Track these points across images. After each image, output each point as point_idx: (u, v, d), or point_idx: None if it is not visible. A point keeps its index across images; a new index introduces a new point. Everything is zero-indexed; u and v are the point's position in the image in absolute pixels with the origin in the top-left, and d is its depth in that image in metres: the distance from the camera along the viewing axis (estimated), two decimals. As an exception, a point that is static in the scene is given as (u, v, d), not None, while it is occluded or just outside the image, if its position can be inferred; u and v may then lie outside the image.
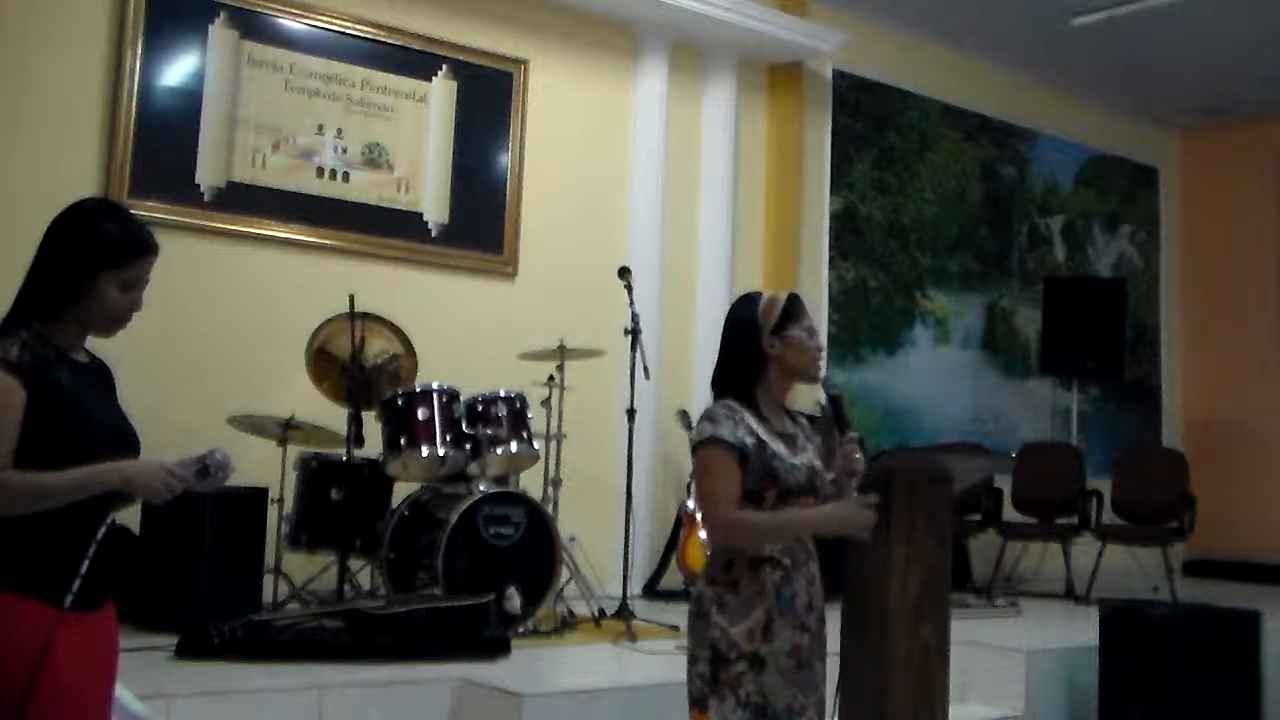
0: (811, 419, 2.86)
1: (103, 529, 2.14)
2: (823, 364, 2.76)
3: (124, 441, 2.28)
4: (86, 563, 2.11)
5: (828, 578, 2.77)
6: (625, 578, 5.48)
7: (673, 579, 6.51)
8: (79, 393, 2.22)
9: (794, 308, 2.73)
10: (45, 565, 2.12)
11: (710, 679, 2.57)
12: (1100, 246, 9.73)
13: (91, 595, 2.17)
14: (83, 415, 2.20)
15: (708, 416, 2.65)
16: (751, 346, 2.70)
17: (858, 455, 2.63)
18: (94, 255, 2.23)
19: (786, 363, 2.69)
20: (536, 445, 5.49)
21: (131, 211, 2.40)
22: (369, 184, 6.19)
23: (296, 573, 5.28)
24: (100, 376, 2.35)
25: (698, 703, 2.60)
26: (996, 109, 8.95)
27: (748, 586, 2.60)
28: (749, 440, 2.59)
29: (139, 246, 2.29)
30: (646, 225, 6.96)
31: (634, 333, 5.55)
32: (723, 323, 2.79)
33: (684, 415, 6.61)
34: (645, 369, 5.53)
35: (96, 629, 2.23)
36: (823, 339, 2.78)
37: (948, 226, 8.66)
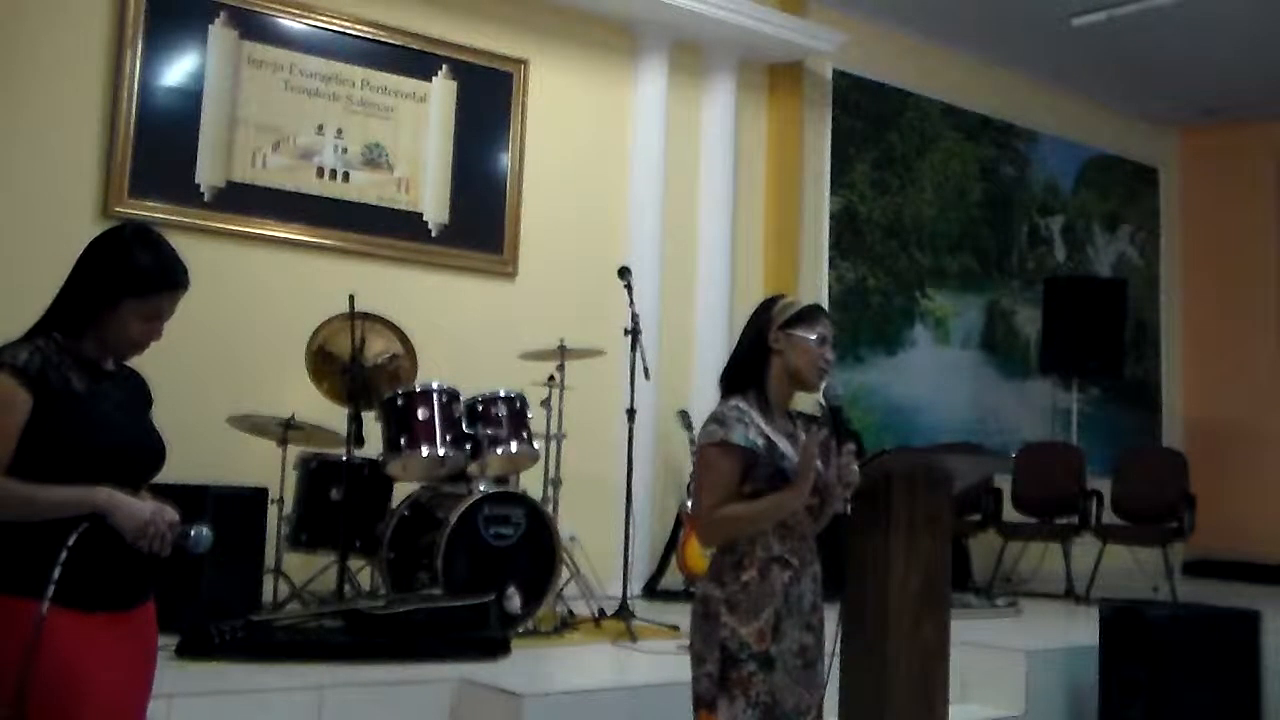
0: (811, 418, 2.86)
1: (76, 533, 2.13)
2: (825, 376, 2.75)
3: (137, 452, 2.29)
4: (65, 552, 2.11)
5: (828, 578, 2.77)
6: (625, 578, 5.48)
7: (673, 579, 6.51)
8: (93, 400, 2.23)
9: (810, 314, 2.74)
10: (25, 563, 2.12)
11: (720, 679, 2.58)
12: (1100, 246, 9.73)
13: (104, 595, 2.19)
14: (91, 422, 2.21)
15: (717, 419, 2.65)
16: (757, 339, 2.72)
17: (854, 466, 2.63)
18: (121, 282, 2.26)
19: (787, 361, 2.70)
20: (536, 445, 5.49)
21: (170, 247, 2.39)
22: (369, 184, 6.19)
23: (296, 573, 5.28)
24: (129, 386, 2.38)
25: (706, 703, 2.60)
26: (996, 109, 8.95)
27: (758, 587, 2.60)
28: (759, 441, 2.60)
29: (167, 280, 2.31)
30: (646, 225, 6.96)
31: (634, 333, 5.55)
32: (726, 322, 2.82)
33: (684, 415, 6.62)
34: (645, 369, 5.53)
35: (126, 630, 2.26)
36: (831, 354, 2.74)
37: (948, 226, 8.67)
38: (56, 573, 2.09)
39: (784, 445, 2.63)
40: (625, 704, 4.08)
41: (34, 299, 2.38)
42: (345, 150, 6.12)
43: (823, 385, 2.76)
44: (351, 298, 5.15)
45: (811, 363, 2.70)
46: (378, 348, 5.39)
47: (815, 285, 7.76)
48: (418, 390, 5.22)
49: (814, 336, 2.70)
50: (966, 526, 7.18)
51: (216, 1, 5.77)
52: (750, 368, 2.72)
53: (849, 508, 2.69)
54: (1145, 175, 10.09)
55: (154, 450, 2.35)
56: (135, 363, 2.47)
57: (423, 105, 6.39)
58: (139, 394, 2.41)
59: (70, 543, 2.11)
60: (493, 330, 6.29)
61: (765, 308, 2.78)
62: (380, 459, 5.24)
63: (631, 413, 5.56)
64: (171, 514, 2.25)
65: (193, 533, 2.26)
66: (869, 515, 3.33)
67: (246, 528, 4.97)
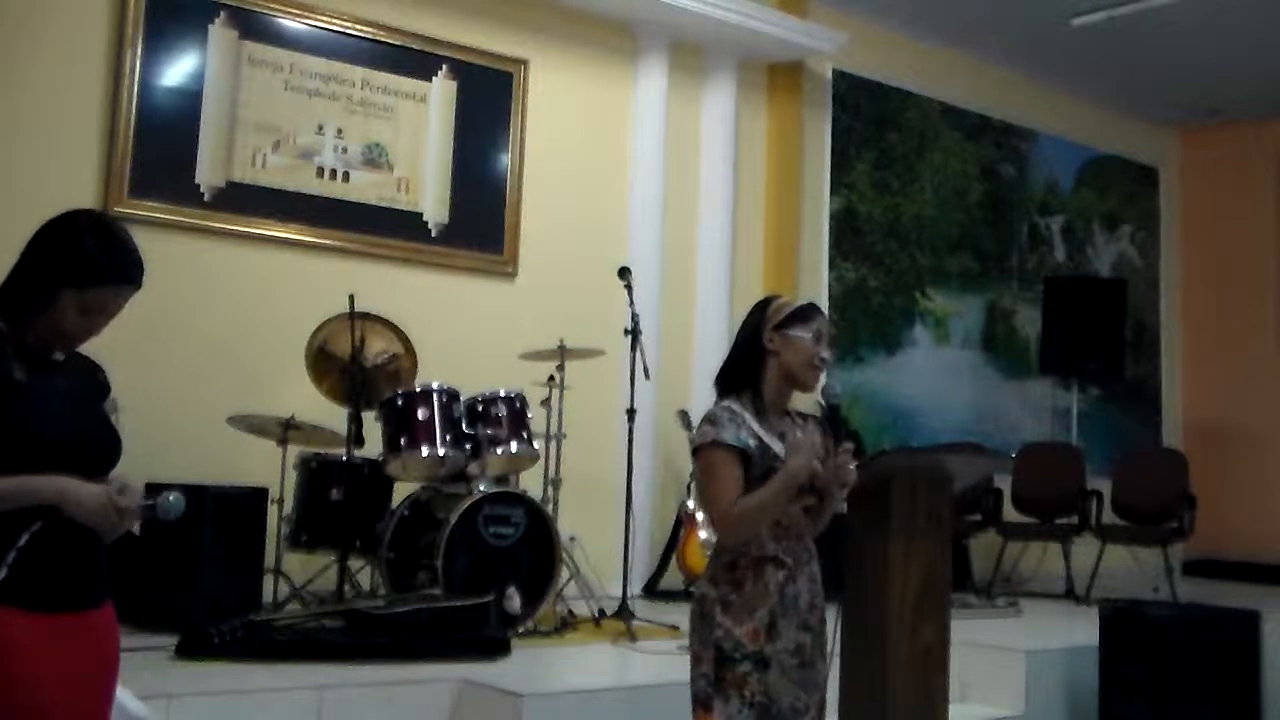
0: (810, 418, 2.86)
1: (28, 533, 2.04)
2: (821, 376, 2.73)
3: (83, 444, 2.17)
4: (14, 553, 2.03)
5: (828, 578, 2.77)
6: (625, 578, 5.48)
7: (673, 579, 6.51)
8: (36, 390, 2.13)
9: (805, 313, 2.72)
10: None
11: (715, 679, 2.58)
12: (1100, 246, 9.73)
13: (50, 595, 2.09)
14: (32, 414, 2.11)
15: (709, 419, 2.65)
16: (752, 340, 2.72)
17: (850, 467, 2.63)
18: (62, 269, 2.12)
19: (783, 361, 2.69)
20: (536, 445, 5.49)
21: (126, 238, 2.22)
22: (369, 184, 6.19)
23: (296, 573, 5.28)
24: (79, 376, 2.24)
25: (702, 703, 2.60)
26: (996, 109, 8.95)
27: (752, 586, 2.60)
28: (751, 442, 2.60)
29: (111, 274, 2.15)
30: (646, 225, 6.96)
31: (634, 333, 5.55)
32: (726, 322, 2.81)
33: (684, 415, 6.61)
34: (645, 369, 5.52)
35: (76, 632, 2.14)
36: (827, 353, 2.73)
37: (948, 226, 8.66)
38: (3, 573, 2.00)
39: (777, 447, 2.63)
40: (625, 704, 4.08)
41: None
42: (345, 150, 6.12)
43: (820, 384, 2.75)
44: (351, 298, 5.15)
45: (807, 361, 2.69)
46: (378, 348, 5.39)
47: (815, 285, 7.75)
48: (418, 390, 5.22)
49: (809, 335, 2.68)
50: (966, 526, 7.17)
51: (216, 1, 5.77)
52: (745, 369, 2.71)
53: (844, 506, 2.69)
54: (1145, 175, 10.09)
55: (103, 442, 2.22)
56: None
57: (423, 105, 6.39)
58: (91, 384, 2.26)
59: (20, 544, 2.03)
60: (493, 330, 6.29)
61: (760, 308, 2.77)
62: (380, 459, 5.24)
63: (631, 413, 5.56)
64: (132, 488, 2.14)
65: (159, 500, 2.16)
66: (869, 515, 3.32)
67: (246, 528, 4.98)
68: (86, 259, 2.13)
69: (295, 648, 4.24)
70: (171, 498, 2.17)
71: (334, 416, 5.28)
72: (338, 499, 5.13)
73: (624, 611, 5.27)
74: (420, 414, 5.15)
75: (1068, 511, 7.43)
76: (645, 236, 6.94)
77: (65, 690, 2.10)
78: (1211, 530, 8.07)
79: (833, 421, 2.68)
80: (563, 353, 5.71)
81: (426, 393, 5.21)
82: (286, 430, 5.19)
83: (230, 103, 5.79)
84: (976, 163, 8.88)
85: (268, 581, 5.09)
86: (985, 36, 8.36)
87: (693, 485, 6.37)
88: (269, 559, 5.12)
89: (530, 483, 5.67)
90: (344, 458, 5.18)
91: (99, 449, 2.20)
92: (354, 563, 5.30)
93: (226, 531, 4.86)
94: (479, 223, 6.52)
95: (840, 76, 8.03)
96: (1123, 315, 8.84)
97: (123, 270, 2.17)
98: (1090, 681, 4.96)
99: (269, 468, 5.20)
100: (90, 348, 2.30)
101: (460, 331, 6.21)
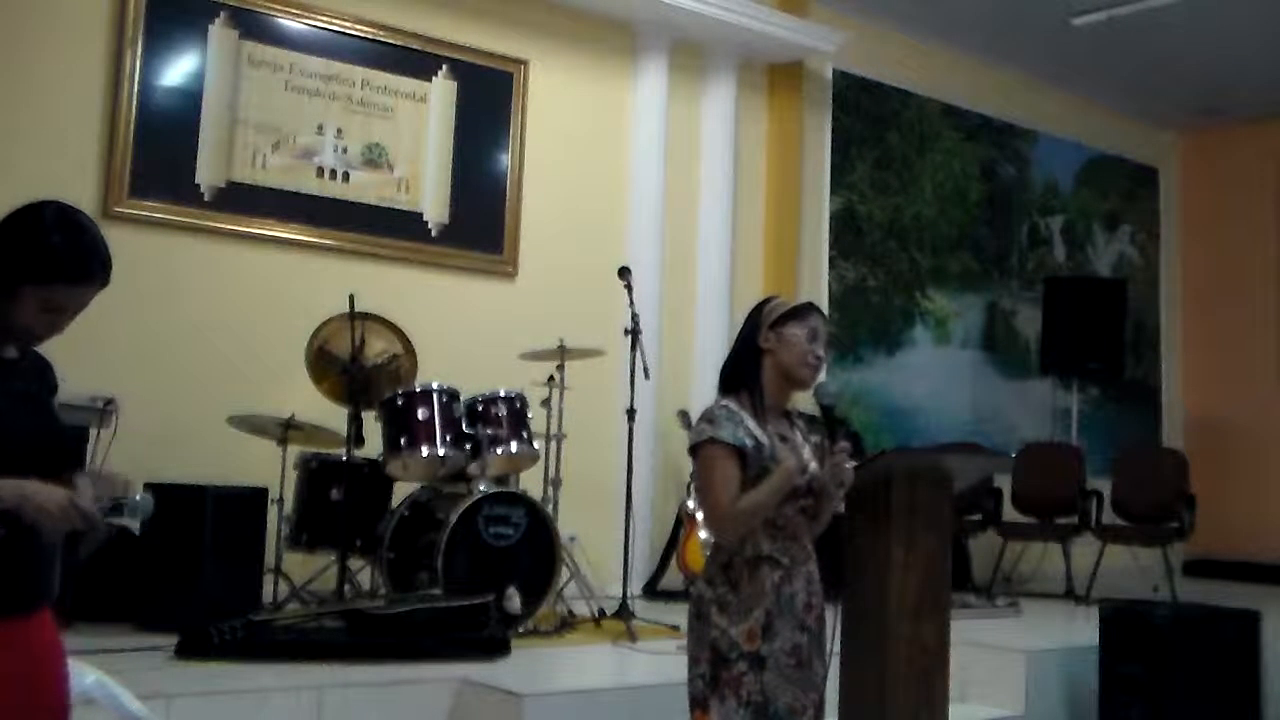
0: (809, 419, 2.86)
1: None
2: (819, 373, 2.73)
3: (39, 443, 2.08)
4: None
5: (828, 578, 2.77)
6: (625, 578, 5.47)
7: (673, 579, 6.51)
8: None
9: (799, 311, 2.73)
10: None
11: (711, 679, 2.58)
12: (1100, 246, 9.73)
13: (7, 598, 2.02)
14: None
15: (706, 418, 2.66)
16: (749, 340, 2.72)
17: (848, 467, 2.62)
18: (23, 263, 2.01)
19: (779, 360, 2.69)
20: (536, 445, 5.49)
21: (95, 234, 2.11)
22: (369, 184, 6.19)
23: (296, 573, 5.28)
24: (31, 374, 2.16)
25: (699, 703, 2.60)
26: (996, 109, 8.95)
27: (748, 586, 2.60)
28: (748, 441, 2.60)
29: (76, 271, 2.04)
30: (646, 225, 6.96)
31: (634, 333, 5.54)
32: (726, 322, 2.81)
33: (684, 415, 6.61)
34: (645, 369, 5.52)
35: (30, 632, 2.07)
36: (823, 350, 2.73)
37: (948, 226, 8.66)
38: None
39: (774, 447, 2.63)
40: (625, 704, 4.08)
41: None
42: (345, 150, 6.12)
43: (816, 382, 2.75)
44: (351, 298, 5.15)
45: (801, 358, 2.69)
46: (378, 348, 5.39)
47: (815, 285, 7.76)
48: (418, 390, 5.22)
49: (803, 332, 2.69)
50: (966, 526, 7.17)
51: (216, 1, 5.77)
52: (744, 370, 2.72)
53: (842, 507, 2.70)
54: (1145, 175, 10.09)
55: (58, 441, 2.14)
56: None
57: (423, 105, 6.39)
58: (42, 381, 2.18)
59: None
60: (493, 330, 6.29)
61: (757, 310, 2.78)
62: (380, 459, 5.24)
63: (631, 413, 5.56)
64: (88, 490, 2.05)
65: (126, 499, 2.07)
66: (869, 515, 3.32)
67: (246, 528, 4.98)
68: (50, 253, 2.02)
69: (295, 648, 4.24)
70: (139, 497, 2.09)
71: (334, 416, 5.28)
72: (338, 499, 5.13)
73: (624, 611, 5.27)
74: (420, 414, 5.16)
75: (1068, 511, 7.43)
76: (645, 236, 6.94)
77: (13, 695, 2.04)
78: (1211, 530, 8.07)
79: (827, 422, 2.68)
80: (563, 353, 5.71)
81: (426, 393, 5.21)
82: (286, 430, 5.19)
83: (230, 103, 5.79)
84: (976, 163, 8.88)
85: (268, 581, 5.09)
86: (985, 36, 8.36)
87: (693, 485, 6.37)
88: (269, 559, 5.12)
89: (530, 483, 5.67)
90: (344, 458, 5.18)
91: (54, 448, 2.12)
92: (354, 563, 5.30)
93: (226, 531, 4.86)
94: (479, 223, 6.52)
95: (840, 76, 8.04)
96: (1123, 315, 8.84)
97: (86, 268, 2.06)
98: (1090, 681, 4.97)
99: (269, 468, 5.20)
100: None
101: (460, 331, 6.21)
